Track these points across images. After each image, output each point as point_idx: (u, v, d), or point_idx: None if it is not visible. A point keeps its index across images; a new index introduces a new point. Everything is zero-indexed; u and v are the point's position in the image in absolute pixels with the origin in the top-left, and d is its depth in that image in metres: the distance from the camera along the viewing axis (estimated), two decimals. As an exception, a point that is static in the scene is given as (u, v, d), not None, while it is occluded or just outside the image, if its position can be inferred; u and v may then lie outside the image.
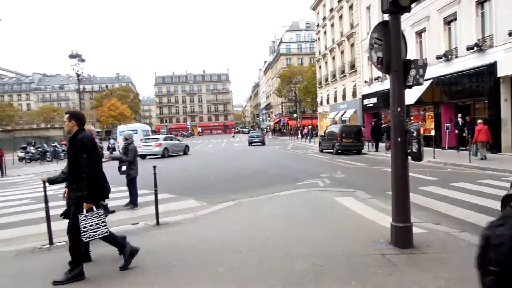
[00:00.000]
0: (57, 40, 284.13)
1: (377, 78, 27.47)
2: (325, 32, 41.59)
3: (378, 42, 4.66)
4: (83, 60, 24.44)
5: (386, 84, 25.66)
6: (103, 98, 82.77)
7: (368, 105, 29.84)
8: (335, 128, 22.56)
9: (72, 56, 23.94)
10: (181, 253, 5.10)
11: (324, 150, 23.39)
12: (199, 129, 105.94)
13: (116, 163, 8.58)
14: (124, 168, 8.04)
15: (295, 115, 59.19)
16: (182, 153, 27.45)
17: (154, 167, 7.10)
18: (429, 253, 4.55)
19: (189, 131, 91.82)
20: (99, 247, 5.08)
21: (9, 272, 4.80)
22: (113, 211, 8.05)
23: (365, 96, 30.28)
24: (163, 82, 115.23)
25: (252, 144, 37.82)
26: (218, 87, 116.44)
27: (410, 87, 4.62)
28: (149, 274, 4.37)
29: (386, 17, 4.73)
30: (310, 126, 43.54)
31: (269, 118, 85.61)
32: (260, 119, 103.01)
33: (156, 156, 24.41)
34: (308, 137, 39.09)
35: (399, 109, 4.57)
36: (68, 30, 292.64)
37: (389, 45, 4.61)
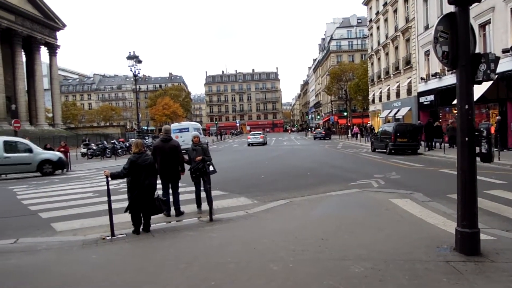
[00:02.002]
0: (115, 42, 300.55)
1: (435, 75, 26.01)
2: (378, 28, 40.19)
3: (443, 36, 4.38)
4: (139, 61, 25.60)
5: (444, 81, 24.26)
6: (157, 97, 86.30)
7: (424, 103, 28.39)
8: (389, 127, 21.74)
9: (130, 58, 25.16)
10: (235, 250, 5.15)
11: (376, 150, 22.64)
12: (248, 128, 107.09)
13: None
14: (212, 167, 7.53)
15: (345, 113, 57.89)
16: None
17: (208, 164, 7.24)
18: (499, 262, 4.22)
19: (238, 130, 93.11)
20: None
21: (79, 261, 5.12)
22: (182, 212, 7.75)
23: (421, 94, 28.83)
24: (213, 81, 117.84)
25: (316, 139, 48.06)
26: (267, 85, 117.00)
27: (479, 82, 4.30)
28: (204, 270, 4.45)
29: (448, 9, 4.43)
30: (369, 124, 42.21)
31: (318, 117, 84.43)
32: (309, 118, 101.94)
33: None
34: (367, 136, 37.09)
35: (466, 107, 4.26)
36: (125, 33, 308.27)
37: (456, 39, 4.31)
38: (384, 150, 20.91)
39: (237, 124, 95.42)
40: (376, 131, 28.01)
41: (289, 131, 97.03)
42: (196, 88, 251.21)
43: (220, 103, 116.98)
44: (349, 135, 45.42)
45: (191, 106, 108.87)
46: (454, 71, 4.48)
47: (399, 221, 6.32)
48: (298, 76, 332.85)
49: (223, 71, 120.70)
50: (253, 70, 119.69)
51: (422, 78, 28.58)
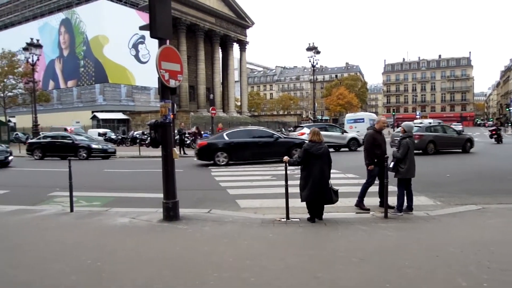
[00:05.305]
0: (296, 35, 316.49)
1: None
2: None
3: None
4: (318, 52, 26.19)
5: None
6: (332, 87, 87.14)
7: None
8: None
9: (309, 49, 26.03)
10: (413, 254, 4.69)
11: None
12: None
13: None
14: (391, 164, 7.04)
15: None
16: None
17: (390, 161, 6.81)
18: None
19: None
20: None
21: (257, 237, 5.61)
22: (368, 210, 7.36)
23: None
24: (392, 70, 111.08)
25: None
26: (456, 73, 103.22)
27: None
28: (378, 270, 4.20)
29: None
30: None
31: (523, 109, 69.72)
32: (510, 111, 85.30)
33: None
34: None
35: None
36: (305, 26, 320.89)
37: None
38: None
39: (417, 116, 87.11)
40: None
41: (489, 125, 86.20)
42: (373, 78, 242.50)
43: (399, 93, 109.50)
44: None
45: (367, 96, 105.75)
46: None
47: None
48: (498, 61, 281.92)
49: (403, 59, 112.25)
50: (439, 56, 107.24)
51: None
